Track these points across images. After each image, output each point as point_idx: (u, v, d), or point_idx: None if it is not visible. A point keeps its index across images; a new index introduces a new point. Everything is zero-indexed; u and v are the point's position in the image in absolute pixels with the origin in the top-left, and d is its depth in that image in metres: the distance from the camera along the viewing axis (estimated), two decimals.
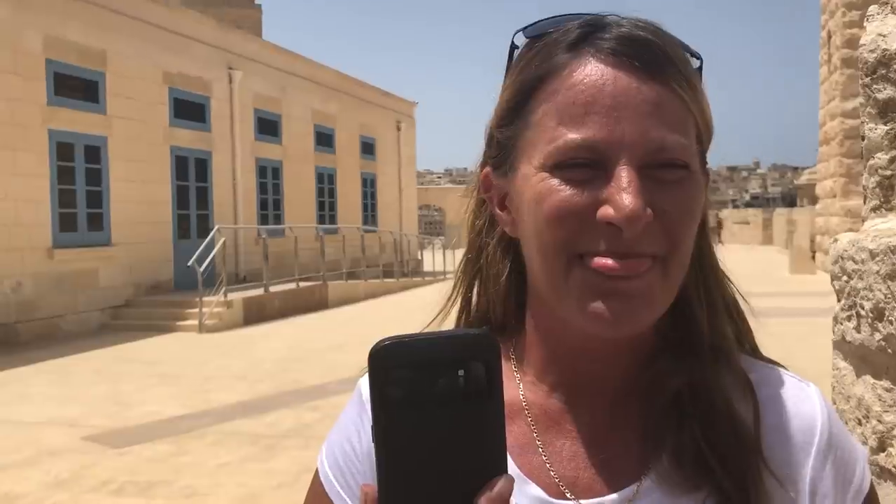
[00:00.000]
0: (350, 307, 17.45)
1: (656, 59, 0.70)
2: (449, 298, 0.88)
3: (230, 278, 15.75)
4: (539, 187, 0.71)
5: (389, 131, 28.06)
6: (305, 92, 22.03)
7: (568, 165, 0.70)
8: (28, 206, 13.04)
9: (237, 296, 14.96)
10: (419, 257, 28.30)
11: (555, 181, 0.70)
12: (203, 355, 11.50)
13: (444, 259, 23.27)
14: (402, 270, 22.97)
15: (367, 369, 0.83)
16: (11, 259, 12.67)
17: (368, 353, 0.54)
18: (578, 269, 0.70)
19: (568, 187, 0.69)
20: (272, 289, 16.03)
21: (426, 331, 0.62)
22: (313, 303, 16.95)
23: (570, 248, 0.70)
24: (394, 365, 0.53)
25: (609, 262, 0.69)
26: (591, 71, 0.70)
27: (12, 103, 12.75)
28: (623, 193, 0.67)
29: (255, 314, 14.93)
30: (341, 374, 8.84)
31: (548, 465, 0.77)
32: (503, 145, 0.77)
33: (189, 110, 17.20)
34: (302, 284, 17.11)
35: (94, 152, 14.51)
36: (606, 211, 0.68)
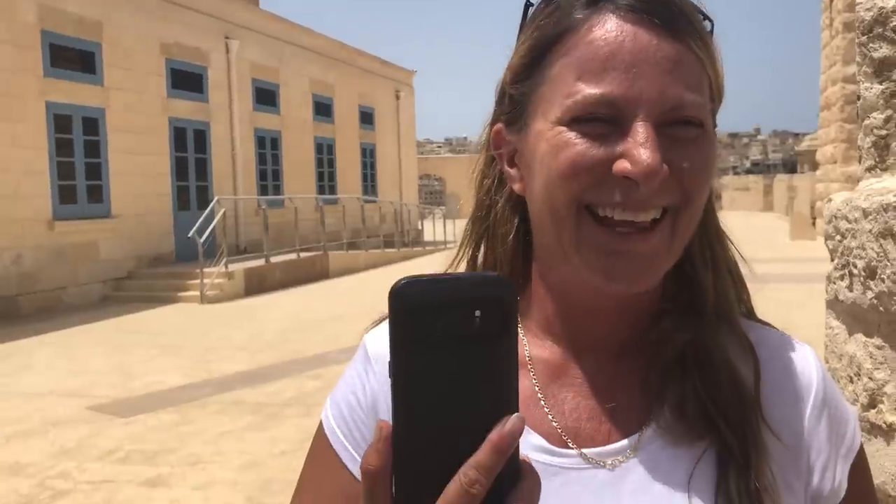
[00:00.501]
0: (351, 277, 17.48)
1: (674, 16, 0.70)
2: (455, 257, 0.89)
3: (231, 249, 15.76)
4: (555, 141, 0.71)
5: (388, 100, 27.89)
6: (303, 61, 21.87)
7: (585, 120, 0.70)
8: (27, 178, 13.02)
9: (238, 267, 14.99)
10: (420, 227, 28.25)
11: (571, 135, 0.70)
12: (205, 326, 11.55)
13: (445, 229, 23.21)
14: (403, 240, 22.97)
15: (370, 327, 0.85)
16: (11, 231, 12.67)
17: (388, 292, 0.54)
18: (587, 226, 0.72)
19: (584, 141, 0.70)
20: (273, 259, 16.05)
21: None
22: (314, 273, 16.98)
23: (581, 200, 0.71)
24: (413, 304, 0.54)
25: (617, 226, 0.70)
26: (611, 27, 0.70)
27: (9, 75, 12.67)
28: (640, 148, 0.67)
29: (256, 285, 14.97)
30: (342, 344, 8.89)
31: (550, 417, 0.78)
32: (517, 101, 0.78)
33: (186, 81, 17.10)
34: (302, 255, 17.14)
35: (92, 124, 14.46)
36: (623, 165, 0.68)
